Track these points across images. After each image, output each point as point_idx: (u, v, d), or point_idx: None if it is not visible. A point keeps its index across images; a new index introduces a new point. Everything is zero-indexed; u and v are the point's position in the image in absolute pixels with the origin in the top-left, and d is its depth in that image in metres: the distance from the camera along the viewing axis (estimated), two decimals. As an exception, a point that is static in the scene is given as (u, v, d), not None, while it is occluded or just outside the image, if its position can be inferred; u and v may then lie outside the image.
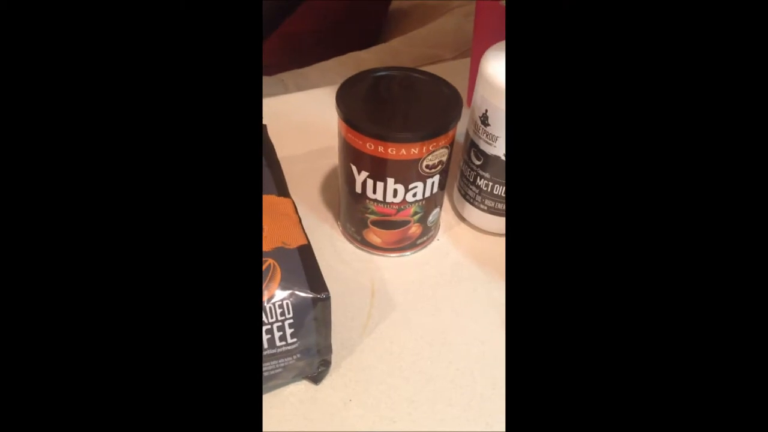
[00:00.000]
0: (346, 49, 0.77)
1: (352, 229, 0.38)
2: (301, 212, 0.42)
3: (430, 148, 0.32)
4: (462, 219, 0.42)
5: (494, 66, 0.34)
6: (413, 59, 0.74)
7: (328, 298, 0.27)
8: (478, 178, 0.38)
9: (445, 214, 0.43)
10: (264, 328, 0.27)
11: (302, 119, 0.52)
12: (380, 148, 0.32)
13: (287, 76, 0.72)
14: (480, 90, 0.35)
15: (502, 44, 0.35)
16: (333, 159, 0.47)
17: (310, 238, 0.40)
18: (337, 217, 0.42)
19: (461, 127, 0.49)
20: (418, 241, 0.39)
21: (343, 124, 0.33)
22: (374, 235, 0.37)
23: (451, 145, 0.34)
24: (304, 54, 0.83)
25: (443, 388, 0.32)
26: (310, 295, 0.27)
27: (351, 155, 0.34)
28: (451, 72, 0.55)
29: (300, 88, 0.68)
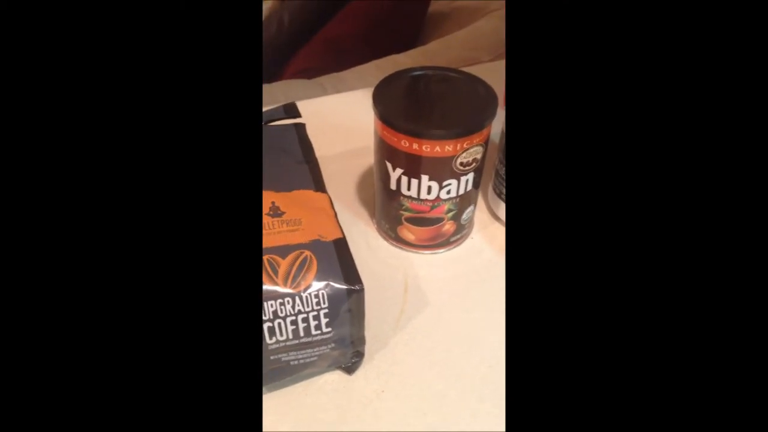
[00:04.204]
0: (386, 52, 0.78)
1: (387, 225, 0.39)
2: (337, 209, 0.43)
3: (465, 146, 0.33)
4: (496, 218, 0.42)
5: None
6: (450, 61, 0.74)
7: (362, 290, 0.28)
8: (513, 176, 0.38)
9: (479, 213, 0.43)
10: (300, 316, 0.28)
11: (339, 120, 0.53)
12: (415, 145, 0.32)
13: (326, 80, 0.74)
14: (515, 88, 0.35)
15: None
16: (369, 158, 0.48)
17: (346, 235, 0.41)
18: (372, 214, 0.43)
19: (498, 127, 0.49)
20: (452, 239, 0.39)
21: (379, 122, 0.34)
22: (408, 232, 0.38)
23: (485, 144, 0.34)
24: (344, 57, 0.84)
25: (474, 384, 0.32)
26: (345, 287, 0.28)
27: (386, 152, 0.34)
28: (488, 73, 0.55)
29: (338, 90, 0.70)
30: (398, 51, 0.79)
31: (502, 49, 0.76)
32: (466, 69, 0.50)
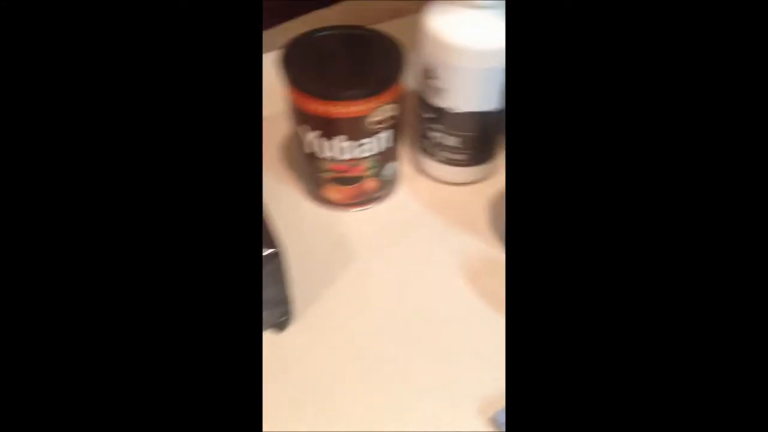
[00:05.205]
0: (315, 6, 0.76)
1: (311, 187, 0.40)
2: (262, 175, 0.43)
3: (376, 104, 0.33)
4: (421, 171, 0.44)
5: (437, 20, 0.34)
6: (379, 14, 0.73)
7: (278, 254, 0.29)
8: (430, 130, 0.39)
9: (405, 167, 0.44)
10: (221, 284, 0.29)
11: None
12: (326, 108, 0.33)
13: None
14: (424, 45, 0.36)
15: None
16: (287, 122, 0.48)
17: (270, 200, 0.41)
18: (296, 177, 0.43)
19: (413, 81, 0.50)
20: (376, 195, 0.40)
21: (290, 87, 0.34)
22: (332, 192, 0.39)
23: (398, 100, 0.35)
24: (268, 14, 0.81)
25: (407, 325, 0.34)
26: (262, 253, 0.29)
27: (300, 117, 0.35)
28: (415, 26, 0.55)
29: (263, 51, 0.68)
30: (329, 4, 0.77)
31: (431, -2, 0.75)
32: (396, 20, 0.49)
